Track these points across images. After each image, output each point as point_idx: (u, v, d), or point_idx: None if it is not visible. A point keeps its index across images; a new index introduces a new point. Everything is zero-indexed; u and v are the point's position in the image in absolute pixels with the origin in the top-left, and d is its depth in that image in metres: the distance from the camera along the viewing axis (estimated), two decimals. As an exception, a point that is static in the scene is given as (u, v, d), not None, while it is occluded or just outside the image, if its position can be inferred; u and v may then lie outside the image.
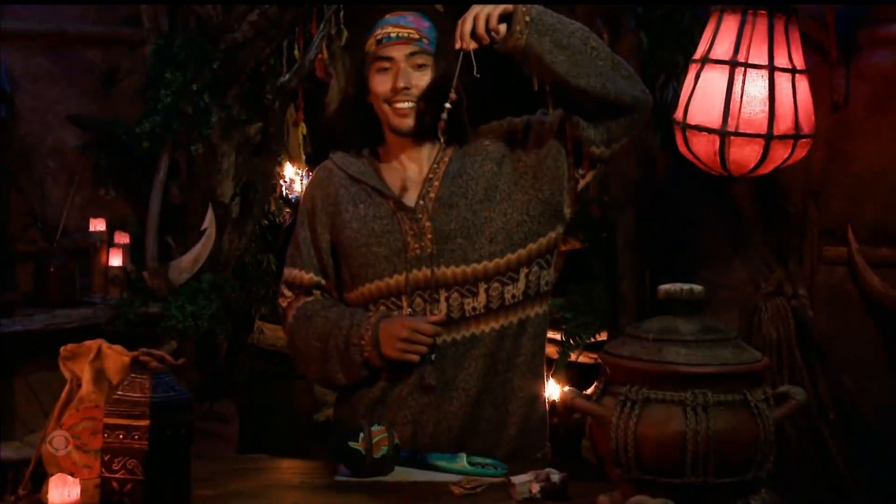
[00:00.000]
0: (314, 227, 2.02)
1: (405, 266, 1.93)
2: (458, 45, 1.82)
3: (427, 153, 2.00)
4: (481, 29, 1.79)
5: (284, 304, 2.05)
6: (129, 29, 3.60)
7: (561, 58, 1.82)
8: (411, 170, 1.99)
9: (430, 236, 1.93)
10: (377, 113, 1.99)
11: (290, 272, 2.05)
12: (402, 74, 1.93)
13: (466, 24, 1.80)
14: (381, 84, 1.95)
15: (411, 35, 1.94)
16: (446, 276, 1.92)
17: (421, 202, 1.95)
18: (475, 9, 1.81)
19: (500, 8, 1.80)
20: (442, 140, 1.92)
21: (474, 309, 1.93)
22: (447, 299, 1.92)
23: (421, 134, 1.97)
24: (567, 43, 1.83)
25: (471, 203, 1.94)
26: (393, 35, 1.94)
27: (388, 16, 1.98)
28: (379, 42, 1.95)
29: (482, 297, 1.93)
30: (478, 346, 1.94)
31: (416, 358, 1.90)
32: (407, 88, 1.93)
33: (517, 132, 1.99)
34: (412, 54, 1.94)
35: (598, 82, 1.84)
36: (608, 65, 1.86)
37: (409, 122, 1.95)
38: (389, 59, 1.94)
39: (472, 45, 1.81)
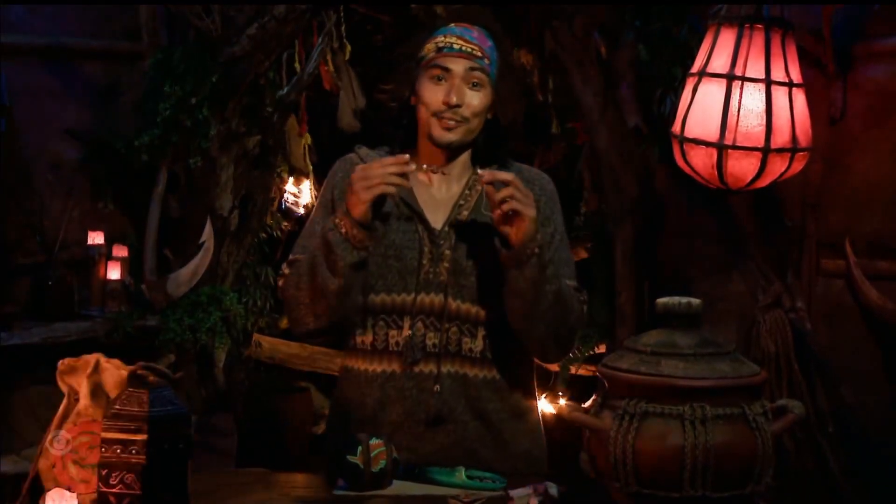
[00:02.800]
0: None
1: (415, 287, 1.90)
2: (485, 179, 1.79)
3: (458, 172, 1.97)
4: (502, 203, 1.76)
5: (281, 282, 1.96)
6: (128, 42, 3.61)
7: (531, 287, 1.83)
8: (439, 187, 1.96)
9: (446, 265, 1.90)
10: (417, 119, 1.93)
11: (297, 256, 1.95)
12: (457, 90, 1.88)
13: (511, 192, 1.76)
14: (432, 93, 1.89)
15: (474, 51, 1.89)
16: (451, 308, 1.91)
17: (446, 228, 1.92)
18: (525, 196, 1.77)
19: (530, 217, 1.78)
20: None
21: (471, 350, 1.92)
22: (447, 331, 1.91)
23: (458, 151, 1.95)
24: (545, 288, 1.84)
25: (491, 248, 1.87)
26: (456, 47, 1.89)
27: (453, 25, 1.94)
28: (440, 50, 1.89)
29: (479, 342, 1.92)
30: (470, 387, 1.93)
31: (388, 188, 1.77)
32: (459, 105, 1.88)
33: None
34: (471, 70, 1.89)
35: (538, 332, 1.88)
36: (553, 330, 1.89)
37: (451, 137, 1.91)
38: (447, 69, 1.88)
39: (485, 179, 1.79)
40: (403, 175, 1.79)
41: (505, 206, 1.77)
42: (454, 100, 1.87)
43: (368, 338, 1.94)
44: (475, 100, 1.89)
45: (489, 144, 1.97)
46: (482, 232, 1.92)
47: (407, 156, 1.81)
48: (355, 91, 3.70)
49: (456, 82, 1.88)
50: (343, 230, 1.80)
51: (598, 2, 3.28)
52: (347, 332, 1.97)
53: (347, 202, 1.80)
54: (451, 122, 1.89)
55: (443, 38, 1.91)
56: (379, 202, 1.81)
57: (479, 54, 1.89)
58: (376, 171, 1.77)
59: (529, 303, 1.84)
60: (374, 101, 3.93)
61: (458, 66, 1.88)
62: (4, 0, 3.43)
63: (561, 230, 1.99)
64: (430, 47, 1.91)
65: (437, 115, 1.89)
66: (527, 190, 1.80)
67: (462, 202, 1.95)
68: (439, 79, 1.89)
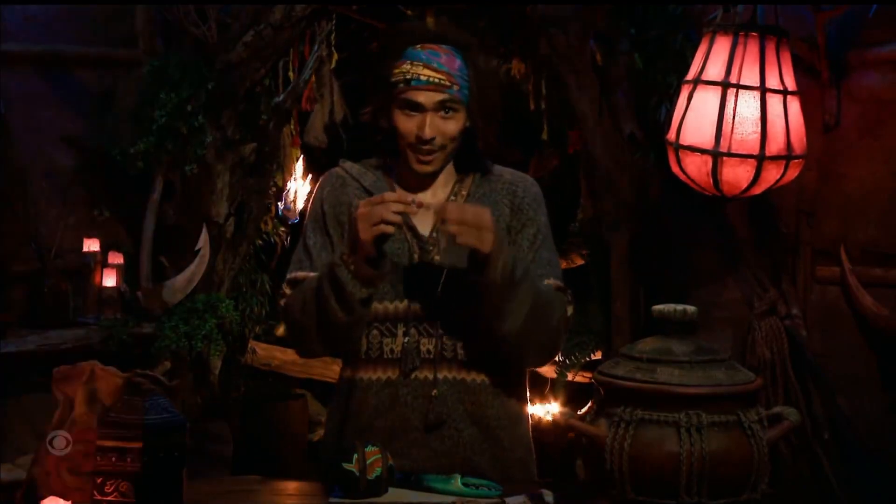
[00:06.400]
0: (326, 231, 1.97)
1: (407, 293, 1.91)
2: (442, 218, 1.76)
3: (443, 179, 1.97)
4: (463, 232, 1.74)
5: (283, 303, 1.96)
6: (124, 50, 3.61)
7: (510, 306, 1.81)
8: (424, 195, 1.95)
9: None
10: (397, 143, 1.93)
11: (297, 274, 1.96)
12: (431, 125, 1.86)
13: (462, 215, 1.74)
14: (405, 126, 1.88)
15: (442, 81, 1.85)
16: (444, 313, 1.91)
17: (434, 234, 1.93)
18: (475, 230, 1.74)
19: (485, 249, 1.75)
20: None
21: (466, 355, 1.92)
22: (442, 337, 1.91)
23: (439, 169, 1.95)
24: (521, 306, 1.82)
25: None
26: (423, 79, 1.85)
27: (419, 48, 1.87)
28: (407, 82, 1.86)
29: (474, 346, 1.92)
30: (469, 392, 1.92)
31: (388, 228, 1.76)
32: (434, 138, 1.87)
33: (521, 216, 1.95)
34: (442, 101, 1.86)
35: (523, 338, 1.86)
36: (531, 339, 1.87)
37: (429, 169, 1.91)
38: (417, 104, 1.86)
39: (444, 222, 1.75)
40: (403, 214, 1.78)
41: (459, 240, 1.76)
42: (427, 134, 1.86)
43: (363, 347, 1.94)
44: (449, 127, 1.88)
45: (468, 149, 1.96)
46: None
47: (411, 197, 1.79)
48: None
49: (428, 117, 1.86)
50: (351, 267, 1.81)
51: (593, 3, 3.28)
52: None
53: (352, 238, 1.80)
54: (428, 156, 1.89)
55: (410, 67, 1.86)
56: (382, 238, 1.80)
57: (448, 83, 1.86)
58: (377, 210, 1.76)
59: (500, 319, 1.84)
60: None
61: (428, 100, 1.86)
62: (4, 1, 3.43)
63: (545, 231, 1.98)
64: (398, 75, 1.87)
65: (412, 147, 1.89)
66: (478, 221, 1.76)
67: None
68: (411, 111, 1.88)
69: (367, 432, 1.89)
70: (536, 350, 1.93)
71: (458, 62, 1.88)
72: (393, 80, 1.88)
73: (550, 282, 1.93)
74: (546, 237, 1.98)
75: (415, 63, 1.86)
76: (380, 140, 1.97)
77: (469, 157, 1.97)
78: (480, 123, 1.92)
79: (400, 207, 1.76)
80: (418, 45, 1.88)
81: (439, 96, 1.86)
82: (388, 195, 1.80)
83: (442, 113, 1.87)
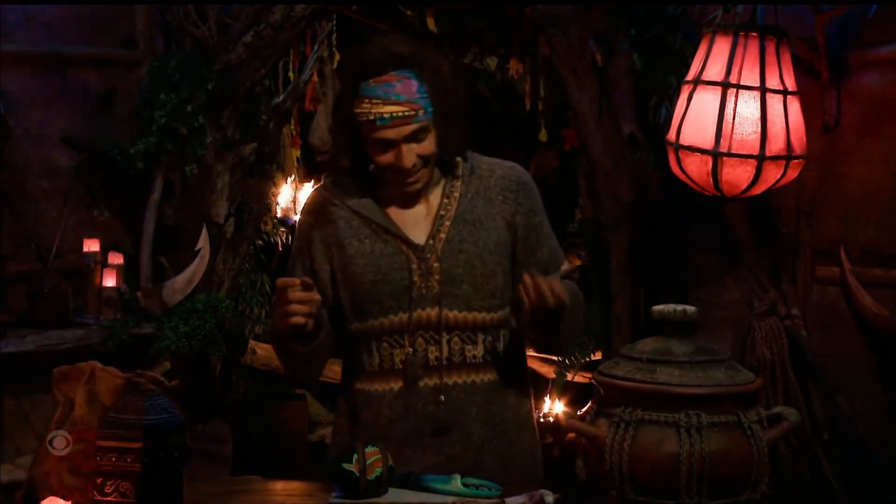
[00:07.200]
0: (312, 255, 1.99)
1: (410, 305, 1.92)
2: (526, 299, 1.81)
3: (430, 187, 1.98)
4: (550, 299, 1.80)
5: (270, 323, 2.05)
6: (124, 51, 3.61)
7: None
8: (415, 206, 1.97)
9: (437, 277, 1.92)
10: (377, 168, 1.95)
11: None
12: (407, 155, 1.87)
13: (545, 295, 1.79)
14: (383, 159, 1.89)
15: (406, 113, 1.84)
16: (448, 318, 1.92)
17: (430, 242, 1.93)
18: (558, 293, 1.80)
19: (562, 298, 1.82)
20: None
21: (474, 357, 1.94)
22: (448, 342, 1.92)
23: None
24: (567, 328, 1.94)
25: (480, 252, 1.93)
26: (387, 116, 1.84)
27: (373, 83, 1.85)
28: (372, 123, 1.85)
29: (481, 347, 1.94)
30: (480, 393, 1.94)
31: (299, 319, 1.79)
32: (413, 164, 1.88)
33: (519, 208, 1.99)
34: (411, 133, 1.86)
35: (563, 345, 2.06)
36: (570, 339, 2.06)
37: (419, 186, 1.93)
38: (388, 140, 1.87)
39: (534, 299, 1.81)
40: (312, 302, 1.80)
41: (528, 306, 1.82)
42: (407, 164, 1.88)
43: (375, 360, 1.96)
44: (425, 147, 1.89)
45: (445, 149, 1.97)
46: (467, 238, 1.94)
47: (299, 281, 1.80)
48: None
49: (402, 148, 1.87)
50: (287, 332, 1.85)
51: (593, 3, 3.28)
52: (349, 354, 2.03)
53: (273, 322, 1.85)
54: (412, 178, 1.91)
55: (370, 107, 1.85)
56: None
57: (412, 111, 1.85)
58: (282, 305, 1.79)
59: (548, 339, 1.97)
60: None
61: (398, 134, 1.86)
62: (4, 1, 3.43)
63: (543, 216, 2.03)
64: (360, 114, 1.86)
65: (394, 172, 1.91)
66: (556, 301, 1.81)
67: (443, 213, 1.96)
68: (384, 147, 1.88)
69: (381, 441, 1.89)
70: (570, 343, 2.13)
71: (413, 84, 1.86)
72: (357, 119, 1.88)
73: (564, 267, 1.97)
74: (547, 222, 2.04)
75: (374, 101, 1.85)
76: (350, 167, 1.99)
77: (446, 153, 1.97)
78: (446, 129, 1.91)
79: (301, 296, 1.78)
80: (371, 80, 1.86)
81: (408, 128, 1.86)
82: (281, 282, 1.80)
83: (415, 141, 1.88)
